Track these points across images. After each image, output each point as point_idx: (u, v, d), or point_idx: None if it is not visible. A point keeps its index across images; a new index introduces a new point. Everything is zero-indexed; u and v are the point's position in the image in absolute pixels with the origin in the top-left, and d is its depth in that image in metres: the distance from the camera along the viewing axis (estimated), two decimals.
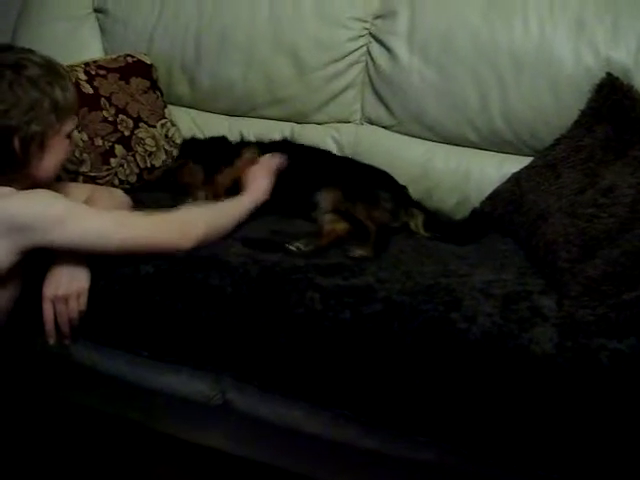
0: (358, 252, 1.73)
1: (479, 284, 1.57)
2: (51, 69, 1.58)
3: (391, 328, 1.49)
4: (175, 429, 1.98)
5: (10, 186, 1.56)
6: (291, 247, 1.73)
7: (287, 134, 2.26)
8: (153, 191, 2.16)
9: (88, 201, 1.80)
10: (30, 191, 1.57)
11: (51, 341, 1.65)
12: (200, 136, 2.34)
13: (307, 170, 2.01)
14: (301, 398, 1.63)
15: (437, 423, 1.50)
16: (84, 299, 1.64)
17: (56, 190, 1.85)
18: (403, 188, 2.01)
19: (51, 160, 1.62)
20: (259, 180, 1.91)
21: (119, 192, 1.94)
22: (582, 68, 1.95)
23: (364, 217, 1.84)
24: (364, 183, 1.95)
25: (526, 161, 2.01)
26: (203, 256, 1.68)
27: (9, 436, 1.89)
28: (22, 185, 1.58)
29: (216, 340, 1.65)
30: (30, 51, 1.60)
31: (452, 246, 1.82)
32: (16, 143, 1.52)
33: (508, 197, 1.96)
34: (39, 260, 1.60)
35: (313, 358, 1.56)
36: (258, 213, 1.87)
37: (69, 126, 1.63)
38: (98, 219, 1.60)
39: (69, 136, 1.65)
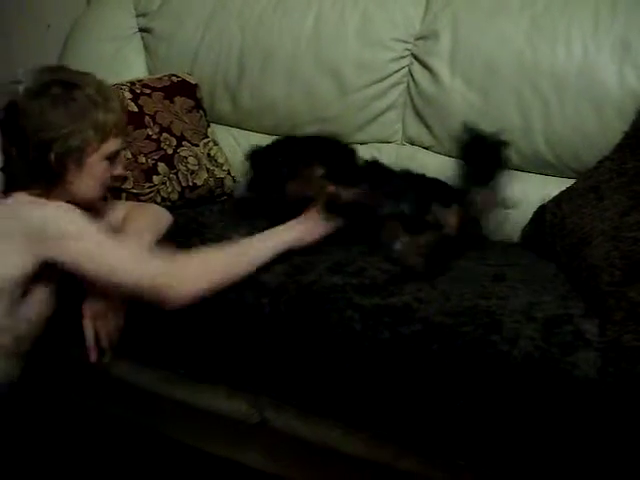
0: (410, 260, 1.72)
1: (520, 306, 1.55)
2: (99, 91, 1.60)
3: (430, 349, 1.48)
4: (211, 445, 1.98)
5: (47, 199, 1.58)
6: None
7: None
8: None
9: (126, 217, 1.82)
10: (57, 203, 1.57)
11: (92, 358, 1.65)
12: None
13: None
14: (339, 418, 1.63)
15: (476, 447, 1.49)
16: (123, 314, 1.66)
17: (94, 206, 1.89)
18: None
19: (89, 180, 1.62)
20: (318, 224, 1.77)
21: (158, 208, 1.96)
22: (626, 90, 1.93)
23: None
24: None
25: (568, 183, 1.99)
26: None
27: (43, 447, 1.92)
28: (61, 201, 1.60)
29: (253, 360, 1.65)
30: (84, 73, 1.63)
31: (491, 268, 1.80)
32: (52, 156, 1.54)
33: (549, 220, 1.94)
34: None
35: (352, 378, 1.55)
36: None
37: (110, 147, 1.62)
38: (115, 252, 1.56)
39: (111, 159, 1.64)
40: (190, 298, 1.54)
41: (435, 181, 1.97)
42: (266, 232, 1.71)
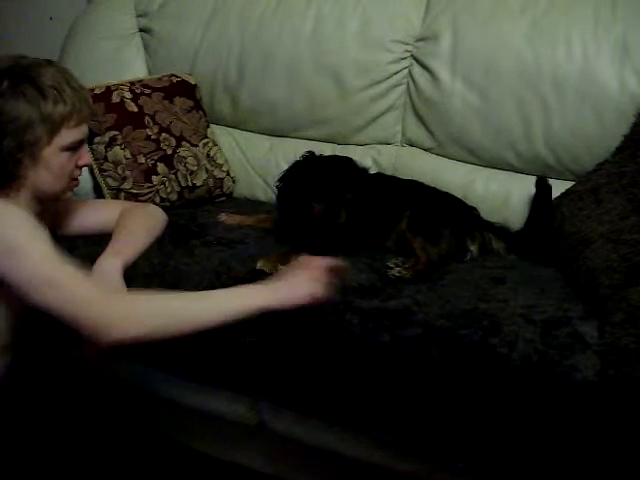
0: (396, 272, 1.72)
1: (519, 309, 1.55)
2: (53, 82, 1.53)
3: (430, 352, 1.48)
4: (209, 446, 1.98)
5: (6, 198, 1.54)
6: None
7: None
8: None
9: (120, 217, 1.81)
10: (5, 211, 1.48)
11: (92, 361, 1.66)
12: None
13: (384, 201, 1.95)
14: (338, 421, 1.63)
15: (476, 449, 1.49)
16: None
17: (86, 206, 1.88)
18: (473, 210, 2.00)
19: (48, 174, 1.57)
20: (302, 281, 1.48)
21: (153, 208, 1.95)
22: (626, 93, 1.94)
23: (419, 247, 1.81)
24: (430, 216, 1.90)
25: (567, 185, 1.99)
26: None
27: (44, 446, 1.92)
28: (21, 199, 1.57)
29: (253, 364, 1.65)
30: (42, 64, 1.55)
31: (491, 270, 1.80)
32: (5, 152, 1.50)
33: None
34: None
35: (351, 381, 1.55)
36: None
37: (65, 139, 1.56)
38: (51, 269, 1.42)
39: (72, 149, 1.59)
40: (119, 343, 1.39)
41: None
42: (239, 289, 1.51)
